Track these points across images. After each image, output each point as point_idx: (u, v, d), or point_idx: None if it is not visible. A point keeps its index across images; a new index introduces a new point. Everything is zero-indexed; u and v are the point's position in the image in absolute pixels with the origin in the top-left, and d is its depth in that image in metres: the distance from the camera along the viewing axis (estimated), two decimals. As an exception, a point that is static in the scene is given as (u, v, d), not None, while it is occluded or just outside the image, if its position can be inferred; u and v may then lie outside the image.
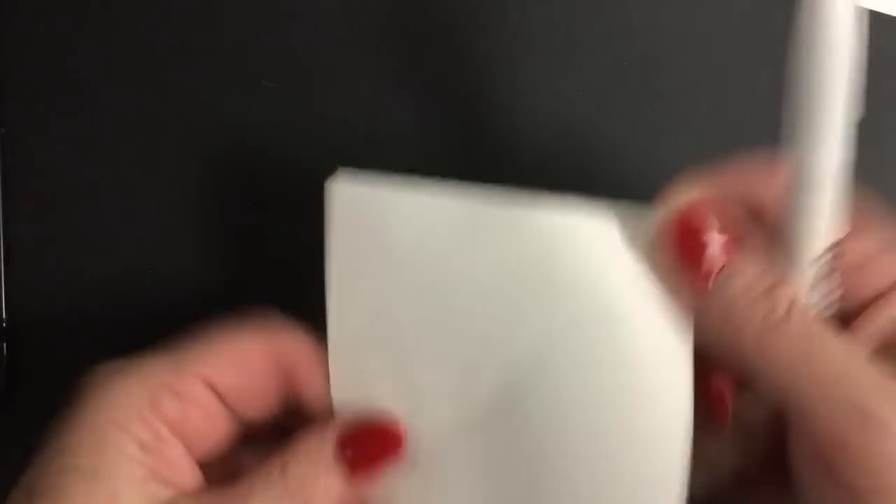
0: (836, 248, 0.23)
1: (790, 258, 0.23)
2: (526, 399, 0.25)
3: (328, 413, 0.26)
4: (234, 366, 0.25)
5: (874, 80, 0.34)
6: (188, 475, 0.25)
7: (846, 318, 0.24)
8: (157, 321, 0.34)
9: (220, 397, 0.25)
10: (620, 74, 0.34)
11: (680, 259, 0.23)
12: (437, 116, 0.34)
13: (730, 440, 0.26)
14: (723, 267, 0.22)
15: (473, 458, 0.26)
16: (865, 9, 0.24)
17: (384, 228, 0.26)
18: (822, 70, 0.24)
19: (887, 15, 0.34)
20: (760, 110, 0.34)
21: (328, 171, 0.34)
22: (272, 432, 0.27)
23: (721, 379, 0.25)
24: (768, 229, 0.24)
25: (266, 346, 0.26)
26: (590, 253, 0.25)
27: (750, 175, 0.25)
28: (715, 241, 0.23)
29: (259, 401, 0.26)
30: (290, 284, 0.31)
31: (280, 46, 0.34)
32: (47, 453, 0.24)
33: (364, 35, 0.34)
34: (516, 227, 0.26)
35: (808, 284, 0.23)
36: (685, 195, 0.24)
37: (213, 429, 0.25)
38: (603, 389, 0.25)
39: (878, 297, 0.24)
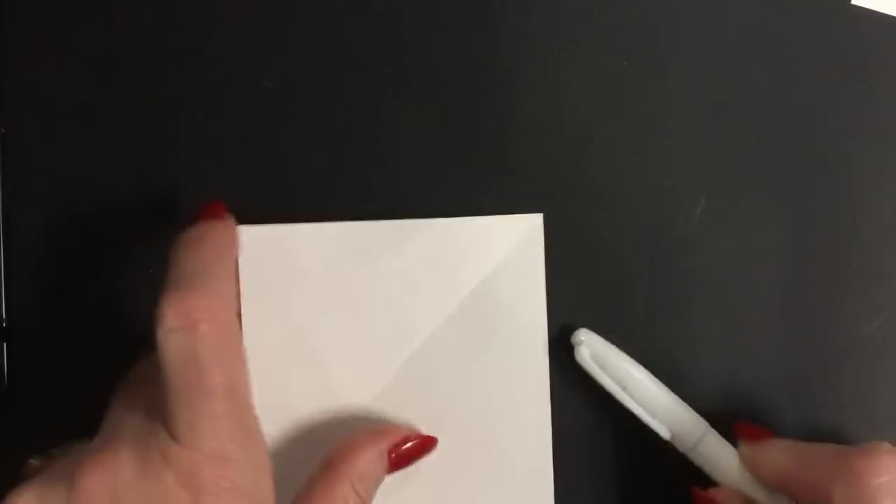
0: None
1: None
2: (421, 377, 0.32)
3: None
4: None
5: (874, 79, 0.34)
6: None
7: None
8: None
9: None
10: (620, 74, 0.34)
11: None
12: (437, 116, 0.34)
13: None
14: None
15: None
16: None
17: (288, 257, 0.32)
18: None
19: (887, 15, 0.34)
20: (760, 110, 0.34)
21: (327, 169, 0.34)
22: None
23: None
24: None
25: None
26: (465, 255, 0.32)
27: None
28: None
29: None
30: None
31: (280, 46, 0.34)
32: None
33: (364, 35, 0.34)
34: (401, 238, 0.32)
35: None
36: None
37: None
38: (476, 359, 0.32)
39: None
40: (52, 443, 0.33)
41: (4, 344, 0.33)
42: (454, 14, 0.34)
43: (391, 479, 0.31)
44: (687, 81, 0.34)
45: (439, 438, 0.32)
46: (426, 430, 0.32)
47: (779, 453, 0.30)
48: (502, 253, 0.33)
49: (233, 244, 0.30)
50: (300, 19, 0.34)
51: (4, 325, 0.33)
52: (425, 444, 0.31)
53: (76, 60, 0.34)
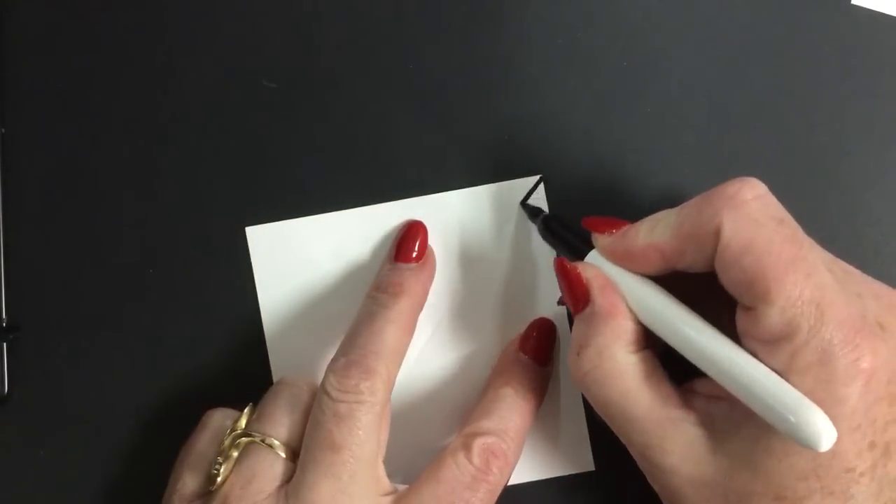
0: None
1: None
2: (440, 350, 0.33)
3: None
4: None
5: (874, 79, 0.34)
6: None
7: None
8: (157, 319, 0.34)
9: None
10: (620, 74, 0.34)
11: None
12: (437, 116, 0.34)
13: None
14: None
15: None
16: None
17: (297, 249, 0.33)
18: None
19: (887, 15, 0.34)
20: (760, 110, 0.34)
21: (327, 169, 0.34)
22: None
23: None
24: None
25: None
26: (469, 223, 0.33)
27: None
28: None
29: None
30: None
31: (280, 46, 0.34)
32: None
33: (364, 35, 0.34)
34: (403, 217, 0.33)
35: None
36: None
37: None
38: (499, 320, 0.33)
39: None
40: (52, 443, 0.33)
41: (4, 344, 0.33)
42: (454, 14, 0.34)
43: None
44: (687, 81, 0.34)
45: (465, 405, 0.32)
46: (447, 407, 0.33)
47: (648, 229, 0.28)
48: (506, 216, 0.33)
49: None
50: (300, 19, 0.34)
51: (4, 325, 0.33)
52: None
53: (76, 60, 0.34)
